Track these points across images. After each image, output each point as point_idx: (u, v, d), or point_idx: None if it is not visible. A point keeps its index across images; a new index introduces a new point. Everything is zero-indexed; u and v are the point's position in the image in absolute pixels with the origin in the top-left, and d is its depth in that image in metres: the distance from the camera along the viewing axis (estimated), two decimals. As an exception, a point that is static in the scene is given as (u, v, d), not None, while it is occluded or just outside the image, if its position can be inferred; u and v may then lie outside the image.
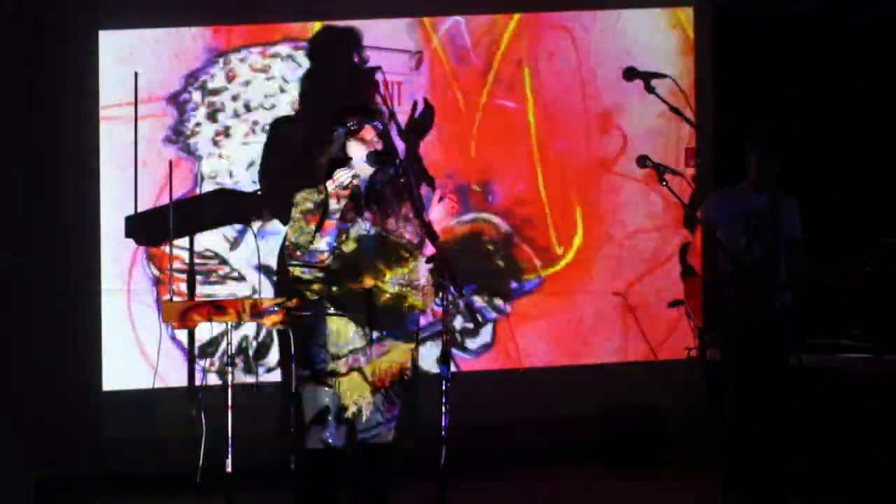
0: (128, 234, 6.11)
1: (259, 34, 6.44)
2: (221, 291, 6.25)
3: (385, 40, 6.63)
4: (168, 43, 6.24)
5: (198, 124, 6.28)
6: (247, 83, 6.38)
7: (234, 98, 6.34)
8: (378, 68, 6.34)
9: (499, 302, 7.03)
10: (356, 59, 6.54)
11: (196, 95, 6.27)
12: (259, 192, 6.35)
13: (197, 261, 6.15)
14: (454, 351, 6.87)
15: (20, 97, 5.81)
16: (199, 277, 6.19)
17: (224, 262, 6.31)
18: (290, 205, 4.37)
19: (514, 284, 7.06)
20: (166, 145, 6.19)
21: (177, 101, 6.24)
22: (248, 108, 6.36)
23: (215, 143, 6.31)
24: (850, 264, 5.24)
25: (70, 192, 6.06)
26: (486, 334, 7.00)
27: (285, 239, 4.32)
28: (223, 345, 6.15)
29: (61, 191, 6.02)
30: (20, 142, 5.79)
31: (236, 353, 6.18)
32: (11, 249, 5.71)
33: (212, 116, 6.30)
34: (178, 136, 6.23)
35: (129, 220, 6.10)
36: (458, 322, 6.90)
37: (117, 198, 6.09)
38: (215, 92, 6.31)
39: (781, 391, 5.29)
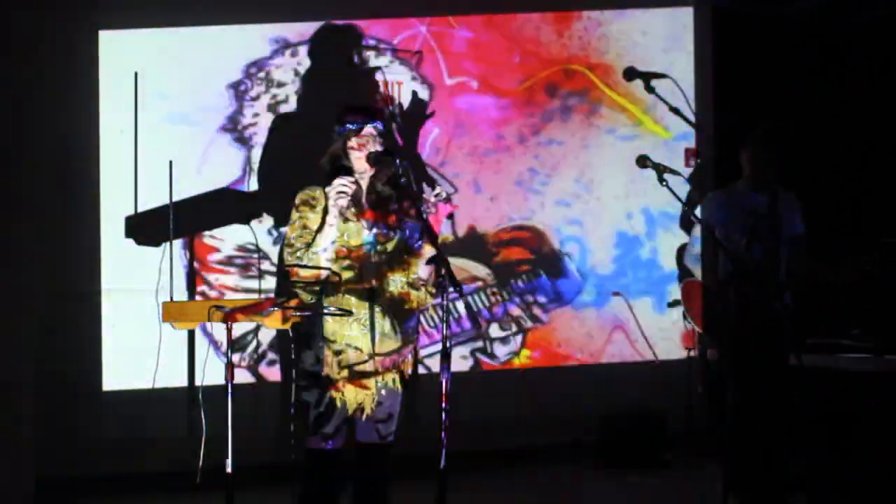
0: (128, 234, 6.11)
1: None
2: (256, 286, 6.28)
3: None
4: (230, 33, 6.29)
5: (256, 114, 6.30)
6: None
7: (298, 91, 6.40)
8: (378, 68, 6.34)
9: (537, 311, 7.04)
10: (356, 59, 6.53)
11: (258, 86, 6.30)
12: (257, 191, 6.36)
13: (237, 254, 6.18)
14: (482, 357, 6.90)
15: (20, 97, 5.80)
16: (234, 270, 6.25)
17: (265, 256, 6.32)
18: (284, 201, 4.37)
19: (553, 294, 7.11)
20: (221, 133, 6.21)
21: (236, 90, 6.27)
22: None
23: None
24: (850, 264, 5.23)
25: (70, 192, 6.06)
26: (515, 342, 7.01)
27: (285, 239, 4.31)
28: (252, 343, 6.23)
29: (61, 190, 6.02)
30: (20, 141, 5.79)
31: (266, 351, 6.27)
32: (11, 249, 5.71)
33: (272, 108, 6.34)
34: (234, 125, 6.25)
35: (129, 220, 6.10)
36: (494, 330, 6.93)
37: (117, 198, 6.08)
38: (280, 84, 6.35)
39: (781, 391, 5.29)
